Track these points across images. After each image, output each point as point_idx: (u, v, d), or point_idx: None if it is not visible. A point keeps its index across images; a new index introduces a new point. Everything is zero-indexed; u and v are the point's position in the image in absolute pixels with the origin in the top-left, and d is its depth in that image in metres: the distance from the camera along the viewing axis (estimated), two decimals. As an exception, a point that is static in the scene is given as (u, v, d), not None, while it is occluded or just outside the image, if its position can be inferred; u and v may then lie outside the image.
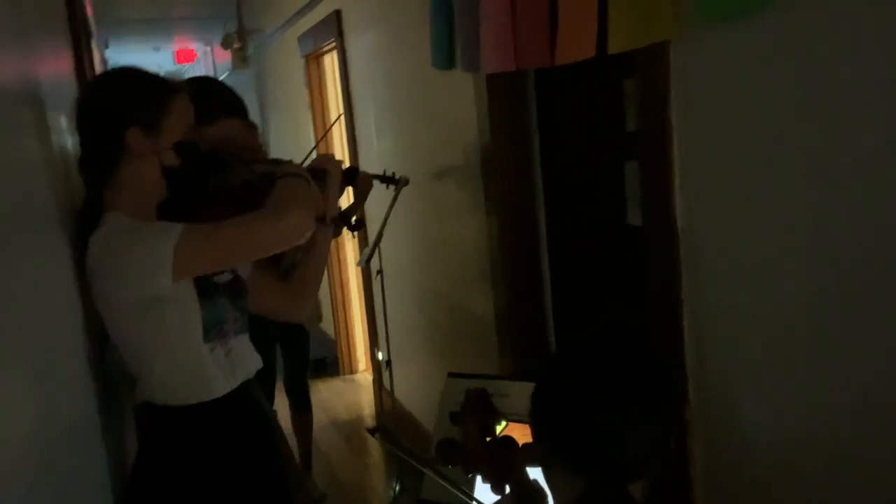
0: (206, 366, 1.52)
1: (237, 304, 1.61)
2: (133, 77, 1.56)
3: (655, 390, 1.16)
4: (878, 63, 1.19)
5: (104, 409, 1.55)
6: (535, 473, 1.37)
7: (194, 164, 1.57)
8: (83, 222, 1.52)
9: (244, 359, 1.62)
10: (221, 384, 1.55)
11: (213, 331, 1.53)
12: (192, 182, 1.58)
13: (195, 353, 1.51)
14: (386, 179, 2.64)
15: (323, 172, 1.77)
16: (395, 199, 2.73)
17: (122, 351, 1.54)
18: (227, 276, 1.60)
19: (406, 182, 2.67)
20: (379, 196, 2.75)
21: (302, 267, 1.77)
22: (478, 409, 1.53)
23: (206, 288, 1.51)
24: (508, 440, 1.46)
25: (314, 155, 3.94)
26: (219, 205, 1.61)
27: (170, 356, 1.50)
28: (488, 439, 1.46)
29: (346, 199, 2.74)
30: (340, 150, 4.56)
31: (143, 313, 1.46)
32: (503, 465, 1.38)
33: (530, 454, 1.36)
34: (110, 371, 1.68)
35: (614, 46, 1.68)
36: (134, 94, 1.52)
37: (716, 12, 1.46)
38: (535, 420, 1.22)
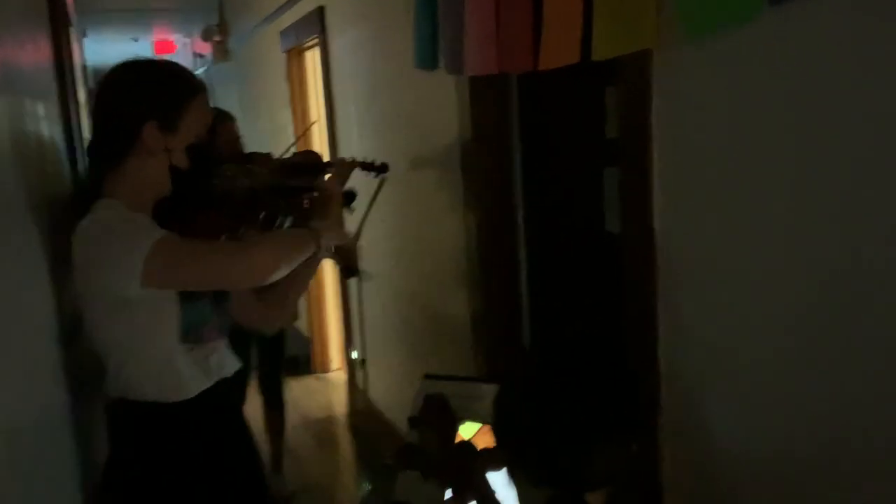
0: (181, 366, 1.50)
1: (220, 308, 1.59)
2: (159, 71, 1.55)
3: (620, 403, 1.16)
4: (861, 73, 1.21)
5: (75, 402, 1.53)
6: (497, 478, 1.37)
7: (203, 168, 1.55)
8: (78, 204, 1.50)
9: (223, 361, 1.60)
10: (197, 384, 1.53)
11: (192, 333, 1.51)
12: (196, 186, 1.57)
13: (168, 353, 1.49)
14: (367, 166, 2.62)
15: (324, 193, 1.75)
16: (377, 190, 2.71)
17: (96, 344, 1.52)
18: None
19: (387, 169, 2.64)
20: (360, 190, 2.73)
21: (283, 284, 1.72)
22: (437, 415, 1.53)
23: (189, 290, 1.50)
24: (468, 445, 1.46)
25: (293, 150, 3.91)
26: (216, 212, 1.61)
27: (142, 355, 1.48)
28: (448, 444, 1.46)
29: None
30: (319, 147, 4.54)
31: (116, 311, 1.44)
32: (462, 470, 1.37)
33: (490, 459, 1.36)
34: (83, 363, 1.66)
35: (598, 53, 1.69)
36: (157, 89, 1.50)
37: (700, 22, 1.47)
38: (497, 429, 1.22)
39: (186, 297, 1.49)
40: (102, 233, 1.43)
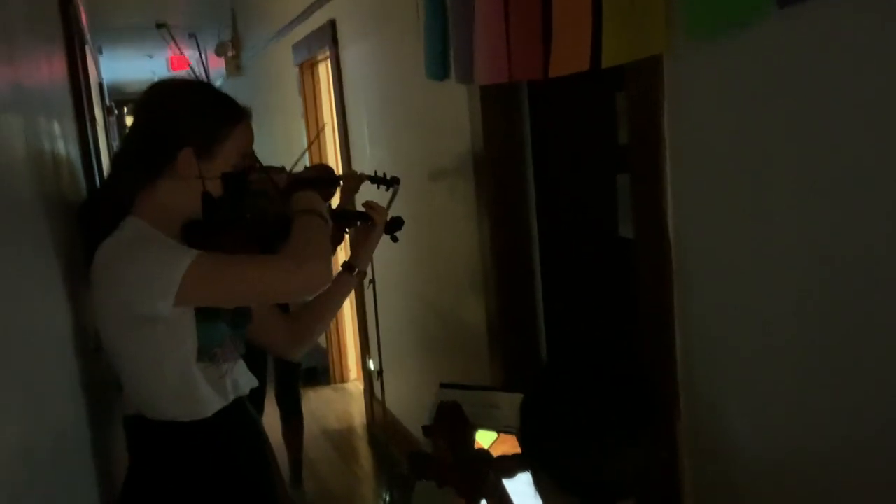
0: (197, 386, 1.49)
1: (237, 330, 1.57)
2: (202, 96, 1.52)
3: (642, 410, 1.16)
4: (872, 77, 1.20)
5: (93, 419, 1.54)
6: (512, 486, 1.36)
7: (236, 197, 1.52)
8: (105, 220, 1.48)
9: (239, 380, 1.58)
10: (212, 404, 1.51)
11: (207, 353, 1.50)
12: (228, 213, 1.54)
13: (185, 373, 1.47)
14: (377, 180, 2.64)
15: (368, 219, 1.73)
16: (390, 202, 2.73)
17: (113, 361, 1.53)
18: None
19: (397, 182, 2.65)
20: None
21: (314, 311, 1.73)
22: (450, 423, 1.52)
23: (206, 311, 1.48)
24: (482, 453, 1.45)
25: (306, 162, 3.93)
26: (246, 239, 1.57)
27: (159, 374, 1.47)
28: (463, 452, 1.45)
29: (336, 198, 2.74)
30: (334, 158, 4.56)
31: (135, 329, 1.43)
32: (476, 478, 1.37)
33: (504, 467, 1.36)
34: (101, 379, 1.67)
35: (608, 60, 1.69)
36: (198, 116, 1.48)
37: (709, 27, 1.47)
38: (523, 438, 1.21)
39: (203, 318, 1.47)
40: (132, 249, 1.41)
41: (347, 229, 1.86)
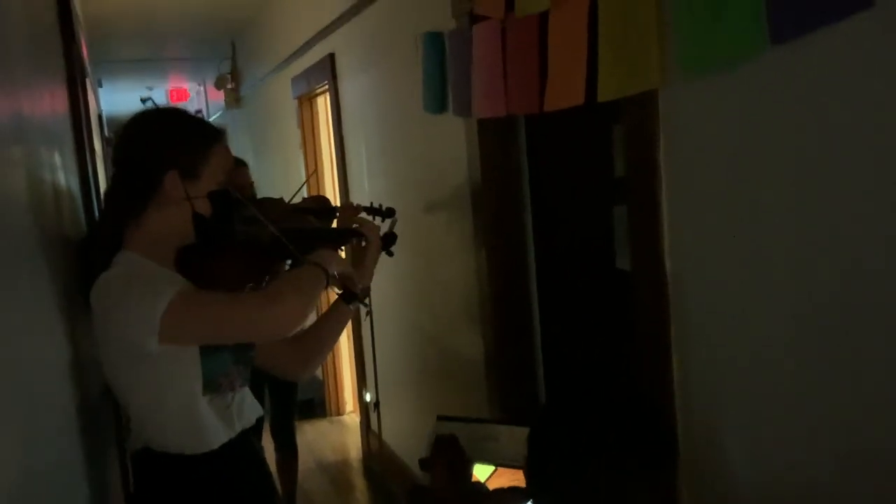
0: (203, 418, 1.48)
1: (242, 358, 1.56)
2: (179, 120, 1.55)
3: (650, 443, 1.16)
4: (867, 109, 1.22)
5: (90, 455, 1.52)
6: None
7: (225, 214, 1.53)
8: (99, 256, 1.49)
9: (244, 410, 1.58)
10: (219, 436, 1.51)
11: (213, 383, 1.49)
12: (218, 232, 1.54)
13: (191, 406, 1.47)
14: (374, 211, 2.66)
15: (363, 239, 1.74)
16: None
17: (118, 395, 1.52)
18: None
19: (394, 213, 2.67)
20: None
21: (317, 334, 1.75)
22: (447, 455, 1.51)
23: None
24: (479, 486, 1.45)
25: (304, 193, 3.94)
26: (240, 261, 1.57)
27: (164, 407, 1.47)
28: (460, 485, 1.44)
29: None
30: (332, 191, 4.58)
31: (136, 364, 1.43)
32: None
33: (502, 500, 1.35)
34: (98, 415, 1.66)
35: (603, 95, 1.71)
36: (178, 138, 1.50)
37: (703, 62, 1.49)
38: (530, 470, 1.21)
39: (206, 350, 1.47)
40: (121, 287, 1.42)
41: (343, 248, 1.86)
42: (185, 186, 1.47)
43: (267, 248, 1.61)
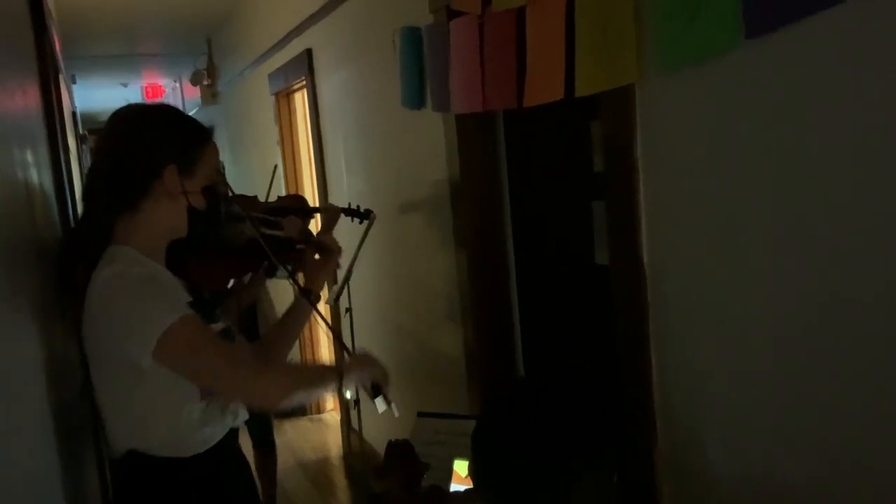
0: (198, 422, 1.49)
1: None
2: (177, 116, 1.56)
3: (603, 434, 1.12)
4: (841, 102, 1.23)
5: (65, 464, 1.49)
6: None
7: (216, 210, 1.57)
8: (85, 250, 1.48)
9: (237, 409, 1.59)
10: (214, 436, 1.53)
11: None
12: (208, 228, 1.58)
13: (187, 410, 1.47)
14: (352, 212, 2.65)
15: (330, 256, 1.81)
16: (365, 234, 2.73)
17: (103, 399, 1.49)
18: (220, 326, 1.57)
19: (370, 214, 2.68)
20: (348, 232, 2.74)
21: (281, 336, 1.78)
22: (399, 462, 1.52)
23: None
24: (435, 490, 1.45)
25: (283, 192, 3.91)
26: (223, 259, 1.64)
27: (159, 413, 1.46)
28: (414, 491, 1.44)
29: (315, 226, 2.74)
30: (310, 188, 4.56)
31: (133, 373, 1.42)
32: None
33: (458, 502, 1.34)
34: (74, 423, 1.63)
35: (581, 90, 1.72)
36: (178, 134, 1.51)
37: (680, 57, 1.50)
38: (474, 468, 1.15)
39: None
40: (124, 292, 1.40)
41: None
42: (181, 181, 1.48)
43: (247, 251, 1.69)
